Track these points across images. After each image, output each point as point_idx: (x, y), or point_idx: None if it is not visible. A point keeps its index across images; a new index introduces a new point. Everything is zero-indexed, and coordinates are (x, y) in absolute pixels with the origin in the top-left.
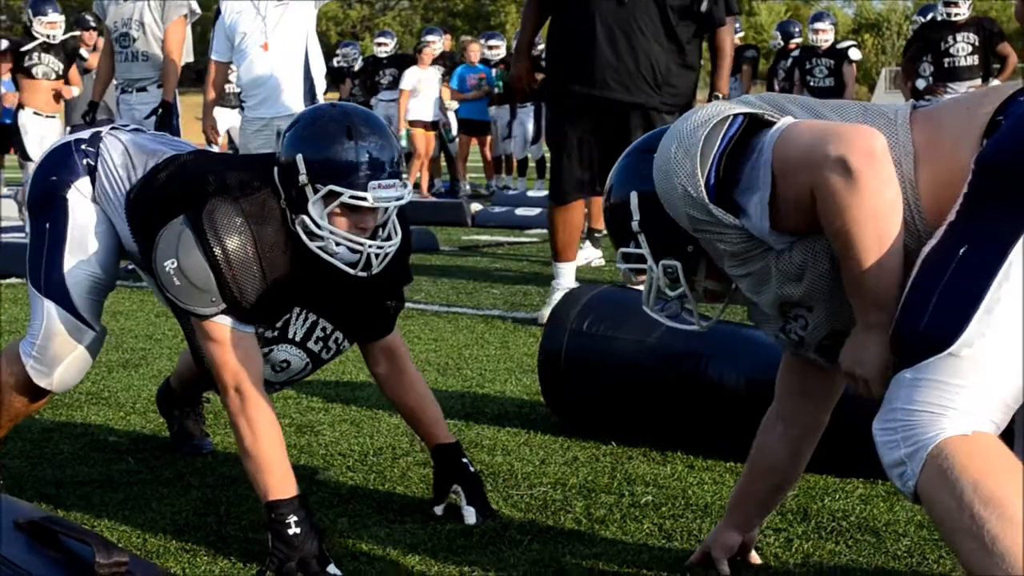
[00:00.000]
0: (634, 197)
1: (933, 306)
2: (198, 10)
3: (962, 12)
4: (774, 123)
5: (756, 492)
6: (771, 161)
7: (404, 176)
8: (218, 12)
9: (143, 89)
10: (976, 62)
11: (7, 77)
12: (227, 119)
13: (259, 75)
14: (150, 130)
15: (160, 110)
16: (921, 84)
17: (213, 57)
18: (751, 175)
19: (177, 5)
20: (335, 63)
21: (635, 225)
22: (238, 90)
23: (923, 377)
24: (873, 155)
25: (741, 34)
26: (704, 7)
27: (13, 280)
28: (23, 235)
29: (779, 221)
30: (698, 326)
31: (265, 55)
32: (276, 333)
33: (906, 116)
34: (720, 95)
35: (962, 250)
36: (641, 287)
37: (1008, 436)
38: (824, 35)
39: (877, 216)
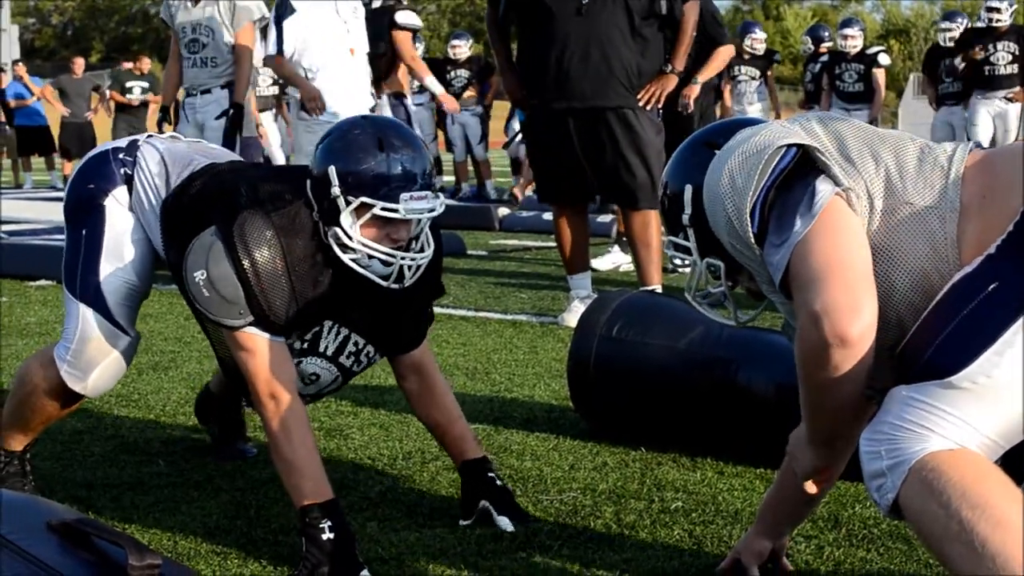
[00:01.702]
0: (688, 190)
1: (947, 333)
2: (267, 14)
3: (1004, 19)
4: (826, 164)
5: (788, 501)
6: (793, 247)
7: (436, 188)
8: (283, 9)
9: (208, 91)
10: (1016, 71)
11: (26, 80)
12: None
13: (344, 79)
14: (217, 133)
15: (231, 111)
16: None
17: (274, 51)
18: (782, 230)
19: (246, 9)
20: None
21: (686, 219)
22: (267, 94)
23: (917, 398)
24: (847, 341)
25: (763, 35)
26: (663, 8)
27: (43, 282)
28: (51, 238)
29: (791, 292)
30: (735, 321)
31: (351, 59)
32: (306, 345)
33: (960, 167)
34: (672, 69)
35: (992, 286)
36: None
37: (1016, 470)
38: (853, 41)
39: (824, 387)
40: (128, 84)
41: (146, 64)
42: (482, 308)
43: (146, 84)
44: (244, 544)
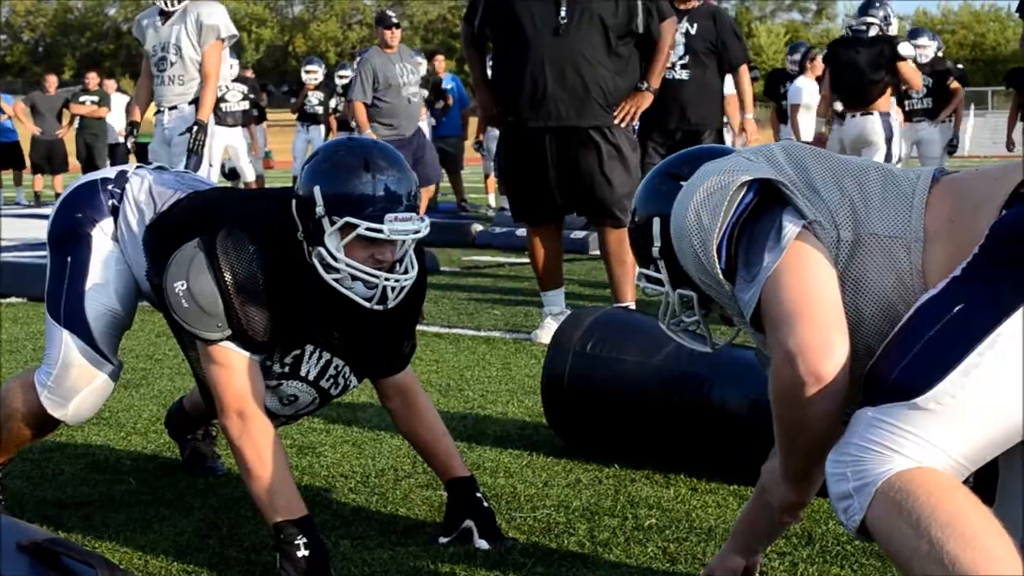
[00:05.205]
0: (656, 223)
1: (914, 354)
2: (236, 33)
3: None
4: (791, 197)
5: (762, 519)
6: (762, 284)
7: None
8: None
9: (174, 107)
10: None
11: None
12: (225, 137)
13: None
14: (181, 148)
15: (196, 127)
16: (839, 106)
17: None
18: (750, 265)
19: (214, 28)
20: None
21: (655, 251)
22: (236, 108)
23: (883, 419)
24: (821, 379)
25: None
26: (640, 27)
27: (14, 300)
28: (22, 255)
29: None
30: (710, 348)
31: None
32: (287, 369)
33: (924, 193)
34: (647, 87)
35: (957, 307)
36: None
37: (987, 491)
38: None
39: (800, 424)
40: (81, 99)
41: (93, 81)
42: (455, 325)
43: (96, 98)
44: (216, 563)
